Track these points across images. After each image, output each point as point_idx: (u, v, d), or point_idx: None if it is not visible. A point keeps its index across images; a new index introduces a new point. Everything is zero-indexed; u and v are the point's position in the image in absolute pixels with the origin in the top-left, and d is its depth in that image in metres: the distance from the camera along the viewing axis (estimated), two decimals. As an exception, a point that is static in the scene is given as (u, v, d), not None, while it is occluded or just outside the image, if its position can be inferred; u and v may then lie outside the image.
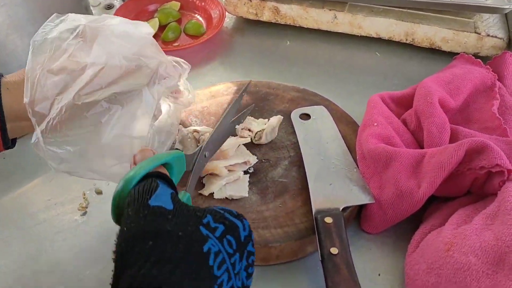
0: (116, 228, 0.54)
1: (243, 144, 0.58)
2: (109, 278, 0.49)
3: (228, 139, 0.56)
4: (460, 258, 0.42)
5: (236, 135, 0.59)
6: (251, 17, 0.81)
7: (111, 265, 0.50)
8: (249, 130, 0.58)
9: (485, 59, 0.66)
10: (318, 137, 0.60)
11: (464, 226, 0.45)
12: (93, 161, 0.47)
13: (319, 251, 0.47)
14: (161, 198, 0.34)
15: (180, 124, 0.60)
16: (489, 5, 0.69)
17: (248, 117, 0.60)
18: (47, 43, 0.45)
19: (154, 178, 0.35)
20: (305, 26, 0.79)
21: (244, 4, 0.79)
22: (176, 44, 0.79)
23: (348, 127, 0.61)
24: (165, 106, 0.54)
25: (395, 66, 0.75)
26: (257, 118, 0.61)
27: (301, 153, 0.58)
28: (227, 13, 0.82)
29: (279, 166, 0.57)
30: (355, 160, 0.56)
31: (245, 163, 0.56)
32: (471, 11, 0.72)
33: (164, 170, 0.39)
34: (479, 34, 0.70)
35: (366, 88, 0.70)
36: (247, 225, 0.36)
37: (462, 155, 0.48)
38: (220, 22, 0.80)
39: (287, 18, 0.79)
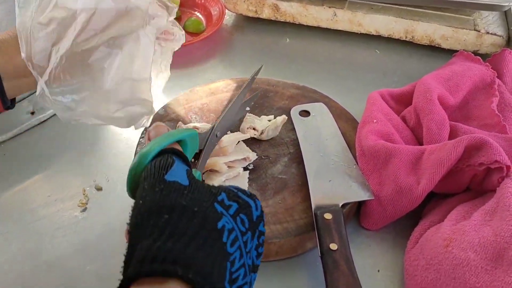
0: (117, 223, 0.55)
1: (242, 141, 0.58)
2: (109, 274, 0.50)
3: (227, 135, 0.56)
4: (459, 254, 0.43)
5: (238, 131, 0.59)
6: (251, 14, 0.81)
7: (111, 261, 0.51)
8: (254, 129, 0.58)
9: (484, 56, 0.66)
10: (317, 134, 0.60)
11: (463, 222, 0.45)
12: (98, 107, 0.48)
13: (319, 247, 0.47)
14: (177, 173, 0.34)
15: (180, 120, 0.60)
16: (488, 3, 0.69)
17: (250, 115, 0.60)
18: None
19: (170, 154, 0.36)
20: (304, 24, 0.79)
21: (244, 2, 0.79)
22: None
23: (347, 124, 0.61)
24: (156, 48, 0.53)
25: (394, 63, 0.75)
26: (257, 115, 0.61)
27: (300, 149, 0.58)
28: (226, 11, 0.82)
29: (279, 163, 0.57)
30: (355, 157, 0.56)
31: (244, 159, 0.56)
32: (471, 8, 0.72)
33: (178, 147, 0.39)
34: (479, 31, 0.70)
35: (365, 85, 0.70)
36: (259, 205, 0.36)
37: (461, 152, 0.48)
38: (220, 19, 0.80)
39: (287, 16, 0.79)
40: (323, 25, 0.78)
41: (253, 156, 0.57)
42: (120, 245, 0.52)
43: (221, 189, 0.35)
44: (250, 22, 0.83)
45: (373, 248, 0.52)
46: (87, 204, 0.56)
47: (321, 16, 0.77)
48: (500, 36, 0.70)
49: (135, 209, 0.33)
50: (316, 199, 0.51)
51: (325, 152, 0.57)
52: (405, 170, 0.51)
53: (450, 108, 0.58)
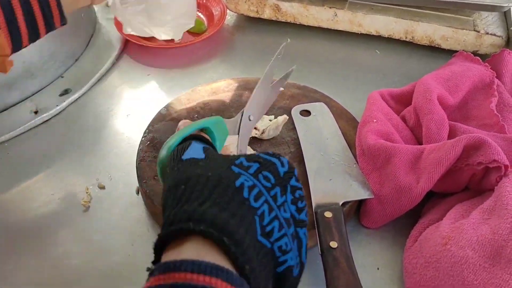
0: (120, 221, 0.55)
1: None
2: (112, 272, 0.50)
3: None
4: (457, 251, 0.43)
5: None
6: (252, 14, 0.81)
7: (114, 259, 0.51)
8: (255, 128, 0.59)
9: (484, 57, 0.66)
10: (318, 133, 0.60)
11: (461, 221, 0.46)
12: (155, 18, 0.67)
13: (319, 245, 0.47)
14: (193, 152, 0.36)
15: (181, 120, 0.61)
16: (488, 3, 0.69)
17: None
18: None
19: (189, 140, 0.38)
20: (305, 24, 0.79)
21: (245, 2, 0.80)
22: (177, 41, 0.80)
23: (348, 124, 0.62)
24: None
25: (394, 63, 0.75)
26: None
27: (301, 149, 0.58)
28: (228, 11, 0.82)
29: (280, 162, 0.57)
30: (355, 156, 0.57)
31: (246, 158, 0.56)
32: (470, 9, 0.72)
33: (202, 134, 0.41)
34: (478, 32, 0.71)
35: (365, 85, 0.71)
36: (285, 162, 0.35)
37: (460, 151, 0.48)
38: (221, 19, 0.81)
39: (288, 16, 0.79)
40: (324, 25, 0.78)
41: (254, 155, 0.57)
42: (123, 243, 0.53)
43: (241, 155, 0.35)
44: (251, 22, 0.84)
45: (373, 246, 0.52)
46: (90, 202, 0.57)
47: (321, 17, 0.77)
48: (499, 36, 0.70)
49: (162, 193, 0.34)
50: (317, 197, 0.52)
51: (325, 151, 0.58)
52: (404, 170, 0.51)
53: (449, 108, 0.59)
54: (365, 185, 0.53)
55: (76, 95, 0.70)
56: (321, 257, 0.47)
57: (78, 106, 0.69)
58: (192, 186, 0.32)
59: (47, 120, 0.67)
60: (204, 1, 0.85)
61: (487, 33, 0.71)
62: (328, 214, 0.49)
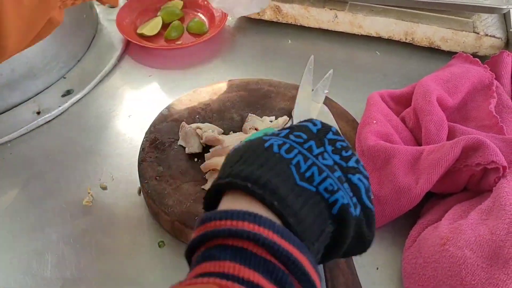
0: (122, 221, 0.56)
1: (244, 141, 0.59)
2: (113, 272, 0.51)
3: (230, 135, 0.57)
4: (456, 252, 0.43)
5: (241, 131, 0.60)
6: (253, 16, 0.81)
7: (116, 259, 0.52)
8: (256, 129, 0.59)
9: (483, 58, 0.67)
10: (318, 134, 0.60)
11: (460, 221, 0.46)
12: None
13: (319, 245, 0.47)
14: None
15: (183, 121, 0.61)
16: (487, 5, 0.70)
17: (252, 116, 0.61)
18: None
19: None
20: (306, 25, 0.80)
21: (246, 3, 0.80)
22: (179, 42, 0.80)
23: (348, 125, 0.62)
24: None
25: (394, 65, 0.76)
26: (259, 116, 0.62)
27: (301, 150, 0.59)
28: (229, 12, 0.83)
29: (280, 163, 0.58)
30: (355, 157, 0.57)
31: (246, 159, 0.57)
32: (470, 11, 0.73)
33: None
34: (478, 33, 0.71)
35: (365, 86, 0.71)
36: (318, 122, 0.37)
37: (459, 152, 0.49)
38: (223, 21, 0.81)
39: (289, 17, 0.80)
40: (324, 26, 0.79)
41: (255, 156, 0.57)
42: (124, 243, 0.53)
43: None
44: (252, 24, 0.84)
45: (372, 246, 0.52)
46: (92, 203, 0.57)
47: (322, 18, 0.78)
48: (498, 38, 0.71)
49: None
50: (317, 198, 0.52)
51: (325, 152, 0.58)
52: (404, 170, 0.52)
53: (448, 109, 0.59)
54: (364, 185, 0.54)
55: (78, 96, 0.70)
56: (321, 257, 0.47)
57: (80, 107, 0.70)
58: (228, 160, 0.35)
59: (49, 121, 0.67)
60: (206, 2, 0.86)
61: (487, 35, 0.71)
62: (328, 215, 0.49)
